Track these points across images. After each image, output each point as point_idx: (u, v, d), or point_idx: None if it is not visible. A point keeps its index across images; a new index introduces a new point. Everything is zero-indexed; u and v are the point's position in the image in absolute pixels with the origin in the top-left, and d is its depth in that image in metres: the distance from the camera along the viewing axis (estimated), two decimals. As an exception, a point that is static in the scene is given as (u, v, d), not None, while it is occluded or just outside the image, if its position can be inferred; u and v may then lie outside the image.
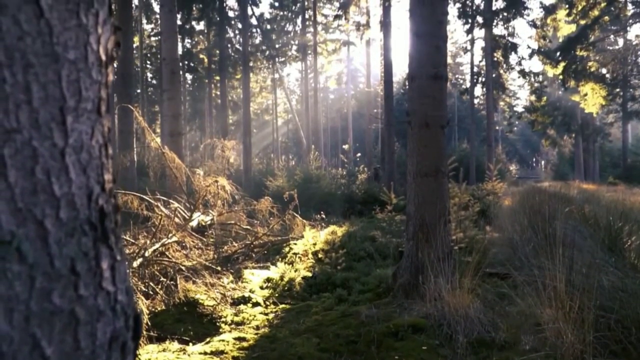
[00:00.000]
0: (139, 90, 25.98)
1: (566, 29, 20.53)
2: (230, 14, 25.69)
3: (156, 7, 24.65)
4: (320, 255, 5.88)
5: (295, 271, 5.17)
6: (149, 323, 3.41)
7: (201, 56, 28.38)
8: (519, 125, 44.72)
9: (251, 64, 24.04)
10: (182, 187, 6.42)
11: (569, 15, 19.25)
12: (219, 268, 5.08)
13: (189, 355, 2.95)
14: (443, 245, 3.77)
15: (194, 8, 22.79)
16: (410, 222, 4.00)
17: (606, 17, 18.96)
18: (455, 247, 4.28)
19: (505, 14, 22.41)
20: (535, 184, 18.79)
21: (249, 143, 16.97)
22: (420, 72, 3.98)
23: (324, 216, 8.45)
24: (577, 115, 31.29)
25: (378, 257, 5.80)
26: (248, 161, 16.75)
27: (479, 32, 23.48)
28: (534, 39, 23.11)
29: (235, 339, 3.22)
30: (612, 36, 26.23)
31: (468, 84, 29.50)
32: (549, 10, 21.07)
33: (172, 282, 4.12)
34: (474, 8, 22.78)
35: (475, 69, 25.23)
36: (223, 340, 3.19)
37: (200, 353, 2.95)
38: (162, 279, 4.20)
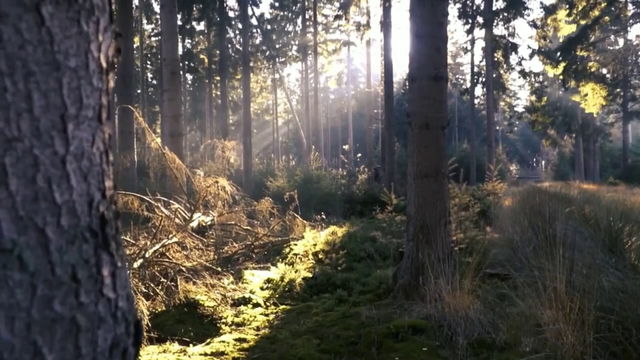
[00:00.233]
0: (139, 91, 25.96)
1: (566, 29, 20.54)
2: (231, 14, 25.72)
3: (156, 8, 24.65)
4: (320, 256, 5.88)
5: (296, 272, 5.17)
6: (150, 324, 3.41)
7: (201, 56, 28.39)
8: (519, 126, 44.71)
9: (251, 64, 24.03)
10: (183, 187, 6.42)
11: (569, 15, 19.25)
12: (219, 269, 5.08)
13: (189, 356, 2.95)
14: (443, 246, 3.78)
15: (194, 8, 22.78)
16: (411, 222, 4.00)
17: (606, 17, 18.96)
18: (455, 247, 4.29)
19: (505, 14, 22.41)
20: (535, 184, 18.75)
21: (249, 143, 16.95)
22: (421, 73, 3.99)
23: (324, 217, 8.46)
24: (578, 115, 31.27)
25: (378, 257, 5.81)
26: (248, 161, 16.73)
27: (479, 32, 23.46)
28: (534, 39, 23.08)
29: (235, 340, 3.22)
30: (612, 36, 26.24)
31: (468, 84, 29.51)
32: (549, 11, 21.06)
33: (172, 283, 4.12)
34: (474, 8, 22.79)
35: (476, 69, 25.22)
36: (223, 341, 3.19)
37: (201, 354, 2.95)
38: (162, 279, 4.20)
